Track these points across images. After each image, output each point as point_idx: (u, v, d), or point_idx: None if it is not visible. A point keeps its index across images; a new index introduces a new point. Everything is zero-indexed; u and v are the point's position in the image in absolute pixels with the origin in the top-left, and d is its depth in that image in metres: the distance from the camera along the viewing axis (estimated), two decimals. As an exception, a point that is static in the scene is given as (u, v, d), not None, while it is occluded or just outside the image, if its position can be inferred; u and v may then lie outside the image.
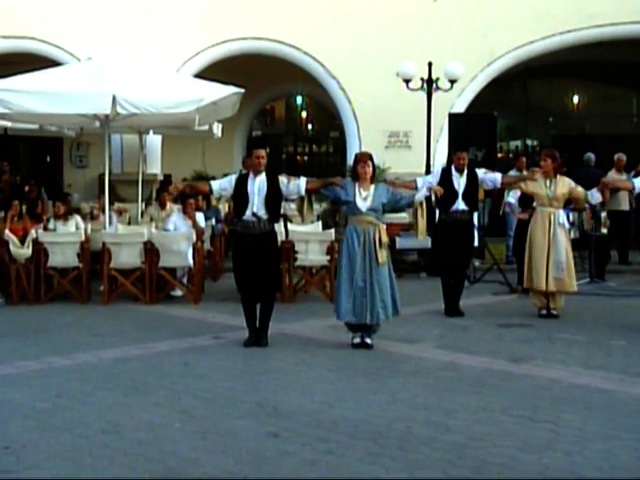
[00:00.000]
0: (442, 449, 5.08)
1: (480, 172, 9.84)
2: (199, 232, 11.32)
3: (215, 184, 8.26)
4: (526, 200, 11.08)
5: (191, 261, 10.80)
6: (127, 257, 10.78)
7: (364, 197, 7.89)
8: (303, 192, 8.10)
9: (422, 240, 9.29)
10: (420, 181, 9.36)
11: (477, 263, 12.99)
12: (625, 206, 13.87)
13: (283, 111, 23.95)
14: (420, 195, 8.32)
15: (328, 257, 10.79)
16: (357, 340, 8.02)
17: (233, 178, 8.15)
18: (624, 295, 11.36)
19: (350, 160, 16.63)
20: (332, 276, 10.80)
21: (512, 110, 20.66)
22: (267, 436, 5.32)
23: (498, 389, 6.53)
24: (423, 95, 13.92)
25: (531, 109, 20.74)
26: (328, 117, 21.21)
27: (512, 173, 13.22)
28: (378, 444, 5.16)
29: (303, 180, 8.12)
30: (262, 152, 8.00)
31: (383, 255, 7.83)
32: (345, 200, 7.97)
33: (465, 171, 9.70)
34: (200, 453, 5.01)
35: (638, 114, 21.75)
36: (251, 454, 5.00)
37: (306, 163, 22.73)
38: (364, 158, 7.98)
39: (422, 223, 8.38)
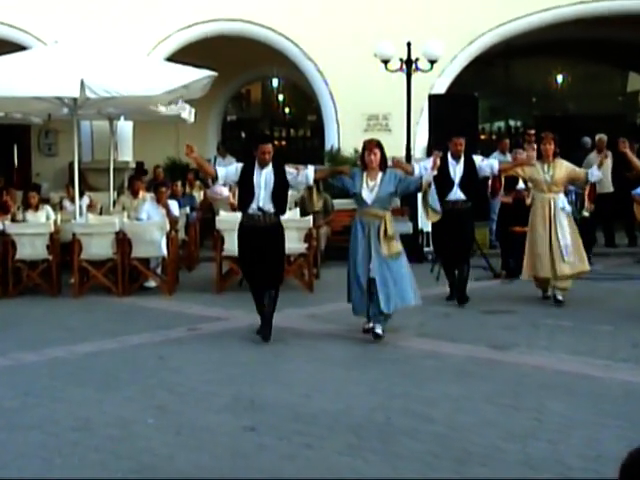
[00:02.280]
0: (424, 440, 5.09)
1: (478, 159, 9.68)
2: (173, 221, 11.27)
3: (220, 171, 8.19)
4: (509, 183, 11.10)
5: (165, 251, 10.75)
6: (98, 248, 10.72)
7: (370, 188, 7.85)
8: (311, 182, 8.08)
9: (430, 220, 9.21)
10: (417, 168, 9.10)
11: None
12: (609, 188, 13.93)
13: (259, 95, 23.88)
14: (427, 176, 8.18)
15: (306, 245, 10.77)
16: (367, 326, 8.00)
17: (239, 167, 8.06)
18: (610, 279, 11.41)
19: (328, 144, 16.89)
20: (310, 264, 10.82)
21: (494, 90, 20.70)
22: (244, 430, 5.31)
23: (481, 377, 6.54)
24: (402, 76, 13.89)
25: (513, 89, 20.79)
26: (305, 100, 21.16)
27: (495, 155, 13.22)
28: (358, 436, 5.17)
29: (311, 169, 8.11)
30: (268, 147, 7.93)
31: (391, 247, 7.79)
32: (352, 192, 7.99)
33: (462, 157, 9.57)
34: (174, 449, 5.00)
35: (623, 93, 21.84)
36: (227, 449, 5.00)
37: (283, 148, 22.69)
38: (371, 146, 7.90)
39: (429, 205, 8.37)
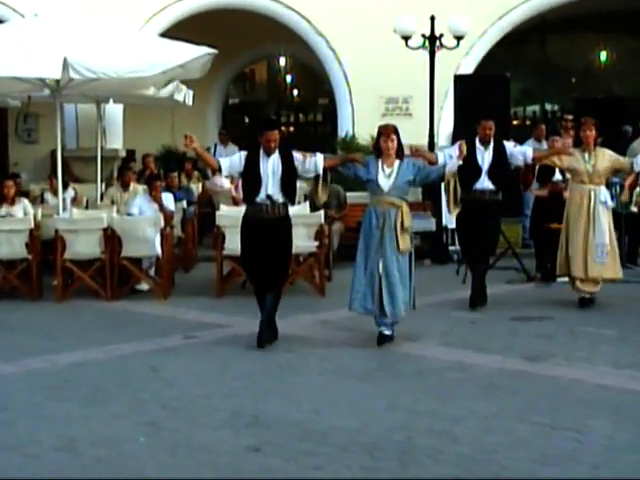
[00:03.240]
0: (448, 462, 5.08)
1: (509, 145, 9.68)
2: (168, 216, 11.29)
3: (224, 162, 8.27)
4: (545, 174, 11.07)
5: (159, 250, 10.75)
6: (84, 246, 10.73)
7: (387, 174, 8.00)
8: (320, 170, 8.14)
9: (453, 213, 9.27)
10: (441, 156, 9.08)
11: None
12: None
13: (264, 75, 23.97)
14: (452, 165, 8.27)
15: (317, 243, 10.78)
16: (386, 331, 8.09)
17: (242, 156, 8.17)
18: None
19: (341, 130, 16.90)
20: (322, 265, 10.82)
21: (528, 70, 20.64)
22: (246, 450, 5.31)
23: (512, 392, 6.53)
24: (425, 54, 13.87)
25: (550, 68, 20.71)
26: (316, 81, 21.22)
27: (529, 143, 13.19)
28: (374, 457, 5.16)
29: (320, 157, 8.18)
30: (274, 134, 7.99)
31: (405, 241, 7.93)
32: (366, 179, 8.09)
33: (491, 143, 9.57)
34: (169, 471, 5.01)
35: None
36: (228, 471, 4.99)
37: (291, 134, 22.70)
38: (387, 131, 8.04)
39: (452, 197, 8.43)
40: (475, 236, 9.59)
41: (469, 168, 9.14)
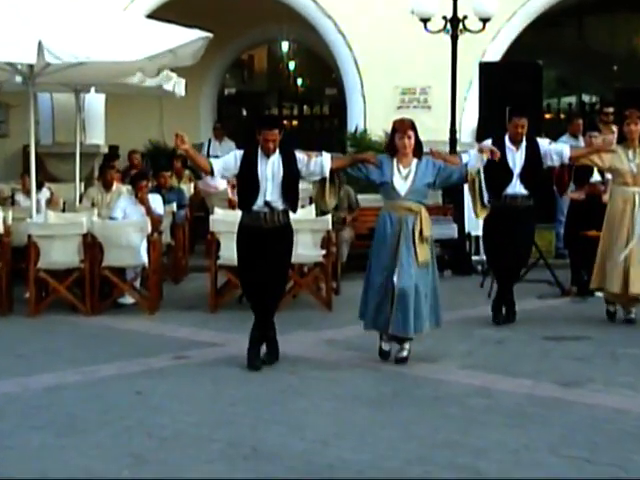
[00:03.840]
0: (471, 501, 5.08)
1: (544, 143, 9.62)
2: (155, 220, 11.30)
3: (217, 164, 8.19)
4: (581, 175, 11.05)
5: (145, 258, 10.78)
6: (61, 254, 10.73)
7: (404, 176, 8.01)
8: (327, 172, 8.09)
9: (479, 217, 9.22)
10: (465, 158, 8.71)
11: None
12: None
13: (264, 62, 24.02)
14: (474, 161, 8.18)
15: (323, 251, 10.79)
16: (385, 347, 8.16)
17: (238, 155, 8.11)
18: None
19: (351, 125, 16.91)
20: (329, 276, 10.83)
21: (563, 57, 20.65)
22: (243, 486, 5.32)
23: (544, 422, 6.52)
24: (446, 39, 13.91)
25: (588, 55, 20.74)
26: (323, 69, 21.23)
27: (564, 140, 13.17)
28: (388, 495, 5.17)
29: (327, 157, 8.12)
30: (274, 134, 7.93)
31: (424, 252, 7.95)
32: (380, 181, 8.08)
33: (523, 142, 9.53)
34: (155, 509, 5.01)
35: None
36: (222, 510, 5.00)
37: (294, 129, 22.73)
38: (403, 127, 8.04)
39: (478, 197, 8.35)
40: (505, 246, 9.58)
41: (499, 171, 9.12)
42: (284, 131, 8.18)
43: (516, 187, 9.54)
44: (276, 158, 8.00)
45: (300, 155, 8.10)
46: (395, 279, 7.89)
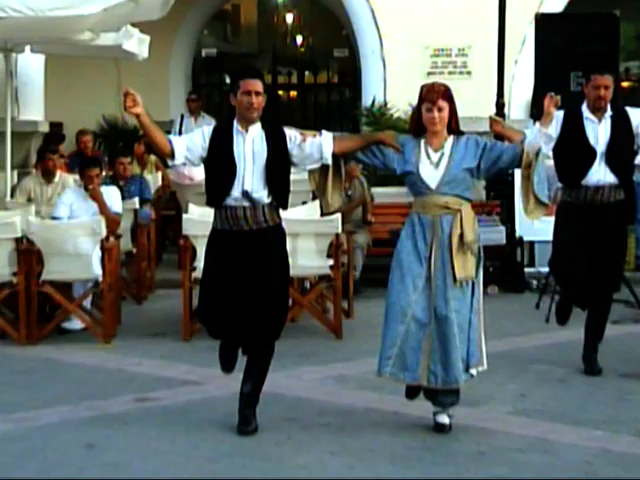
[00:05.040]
0: None
1: (635, 114, 9.25)
2: (112, 221, 11.31)
3: (178, 143, 7.68)
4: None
5: (99, 270, 10.77)
6: (-14, 265, 10.79)
7: (435, 162, 7.62)
8: (328, 157, 7.77)
9: (532, 221, 9.05)
10: (529, 134, 8.29)
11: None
12: None
13: (253, 14, 24.04)
14: (533, 139, 7.78)
15: (331, 261, 10.79)
16: (414, 384, 7.76)
17: (206, 131, 7.77)
18: None
19: (367, 97, 16.85)
20: (338, 294, 10.80)
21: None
22: None
23: (622, 485, 6.51)
24: (491, -14, 13.97)
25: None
26: (330, 24, 21.22)
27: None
28: None
29: (327, 137, 7.72)
30: (257, 84, 7.58)
31: (467, 264, 7.57)
32: (402, 170, 7.72)
33: (608, 111, 9.23)
34: None
35: None
36: None
37: (294, 101, 22.74)
38: (433, 93, 7.60)
39: (532, 190, 7.97)
40: (588, 259, 9.20)
41: (575, 150, 8.98)
42: (272, 94, 7.93)
43: (600, 173, 9.10)
44: (257, 133, 7.67)
45: (292, 132, 7.74)
46: (427, 305, 7.58)
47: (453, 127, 7.65)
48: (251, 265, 7.58)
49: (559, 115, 8.97)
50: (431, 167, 7.58)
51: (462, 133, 7.69)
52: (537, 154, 7.65)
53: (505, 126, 8.56)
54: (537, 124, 8.14)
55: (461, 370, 7.50)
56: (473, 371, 7.62)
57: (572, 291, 9.52)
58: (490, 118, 8.22)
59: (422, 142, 7.65)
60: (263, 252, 7.62)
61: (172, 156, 7.67)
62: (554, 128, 8.58)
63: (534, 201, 7.79)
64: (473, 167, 7.60)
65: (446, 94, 7.59)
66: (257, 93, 7.53)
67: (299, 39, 23.88)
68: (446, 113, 7.56)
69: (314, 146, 7.66)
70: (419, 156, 7.61)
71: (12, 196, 13.29)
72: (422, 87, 7.72)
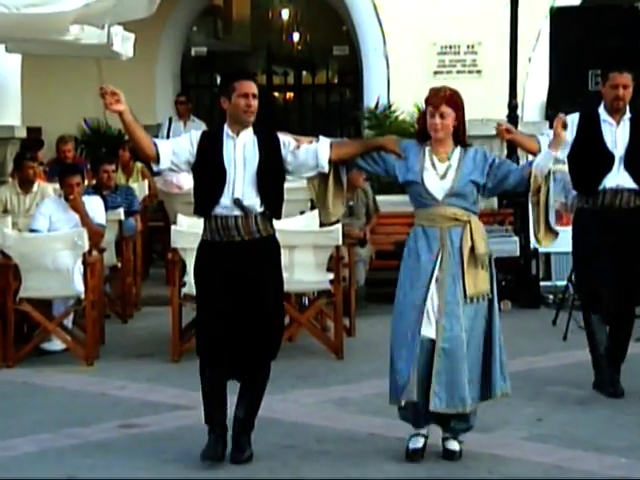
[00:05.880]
0: None
1: None
2: (95, 233, 11.32)
3: (164, 147, 7.70)
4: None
5: (81, 287, 10.75)
6: (-41, 281, 10.76)
7: (441, 172, 7.60)
8: (325, 165, 7.76)
9: (542, 246, 8.99)
10: (544, 141, 8.48)
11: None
12: None
13: (247, 10, 24.08)
14: (542, 161, 7.72)
15: (331, 276, 10.78)
16: (417, 444, 7.69)
17: (194, 136, 7.76)
18: None
19: (369, 98, 16.86)
20: (339, 310, 10.79)
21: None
22: None
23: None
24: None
25: None
26: (329, 21, 21.27)
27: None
28: None
29: (324, 143, 7.73)
30: (254, 87, 7.66)
31: (479, 280, 7.56)
32: (405, 179, 7.69)
33: (627, 114, 9.31)
34: None
35: None
36: None
37: (290, 103, 22.76)
38: (435, 99, 7.61)
39: (543, 217, 7.92)
40: (601, 271, 9.21)
41: (591, 156, 9.02)
42: (264, 102, 7.94)
43: (619, 178, 9.17)
44: (249, 138, 7.70)
45: (285, 138, 7.77)
46: (435, 325, 7.52)
47: (460, 138, 7.62)
48: (241, 278, 7.57)
49: (574, 118, 9.10)
50: (437, 178, 7.55)
51: (469, 145, 7.68)
52: (546, 177, 7.62)
53: (513, 132, 8.53)
54: (546, 146, 8.04)
55: (468, 393, 7.44)
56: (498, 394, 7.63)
57: (599, 307, 9.43)
58: (497, 125, 8.12)
59: (427, 150, 7.63)
60: (254, 264, 7.62)
61: (157, 160, 7.65)
62: (569, 132, 8.62)
63: (544, 227, 7.77)
64: (479, 182, 7.58)
65: (452, 100, 7.56)
66: (254, 96, 7.58)
67: (296, 36, 23.94)
68: (450, 121, 7.51)
69: (309, 153, 7.64)
70: (423, 165, 7.59)
71: (-13, 207, 13.29)
72: (431, 90, 7.69)
